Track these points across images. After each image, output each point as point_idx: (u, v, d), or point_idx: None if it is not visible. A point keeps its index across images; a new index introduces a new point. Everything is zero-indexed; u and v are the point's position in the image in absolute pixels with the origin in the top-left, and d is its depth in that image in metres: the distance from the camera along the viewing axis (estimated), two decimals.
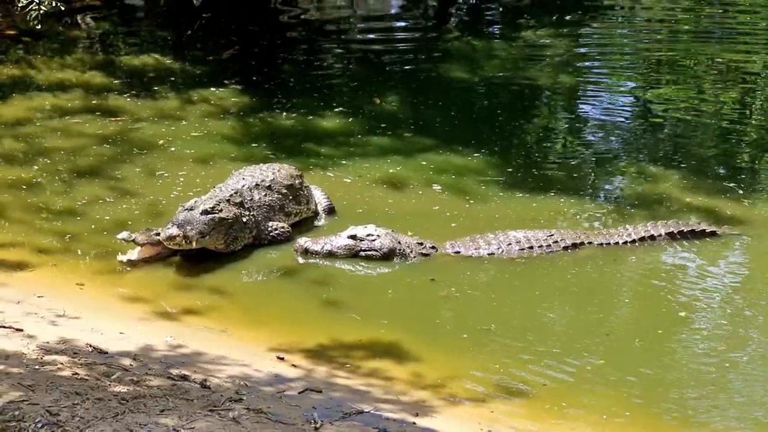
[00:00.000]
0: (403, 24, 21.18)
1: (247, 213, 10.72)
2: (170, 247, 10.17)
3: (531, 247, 10.52)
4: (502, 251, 10.48)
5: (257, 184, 11.06)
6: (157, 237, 10.16)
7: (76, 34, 18.82)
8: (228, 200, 10.63)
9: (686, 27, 21.17)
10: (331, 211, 11.58)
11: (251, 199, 10.87)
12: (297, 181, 11.35)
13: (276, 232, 10.84)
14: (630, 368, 8.56)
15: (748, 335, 9.18)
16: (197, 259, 10.32)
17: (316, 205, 11.55)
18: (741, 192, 12.27)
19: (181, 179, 12.20)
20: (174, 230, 10.10)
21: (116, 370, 7.36)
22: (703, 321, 9.40)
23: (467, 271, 10.24)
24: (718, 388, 8.32)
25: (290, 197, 11.21)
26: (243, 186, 10.97)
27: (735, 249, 10.85)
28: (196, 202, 10.53)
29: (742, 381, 8.43)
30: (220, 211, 10.41)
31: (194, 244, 10.18)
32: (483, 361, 8.60)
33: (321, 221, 11.49)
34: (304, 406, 7.22)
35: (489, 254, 10.45)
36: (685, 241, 10.84)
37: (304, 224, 11.34)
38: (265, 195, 11.01)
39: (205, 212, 10.32)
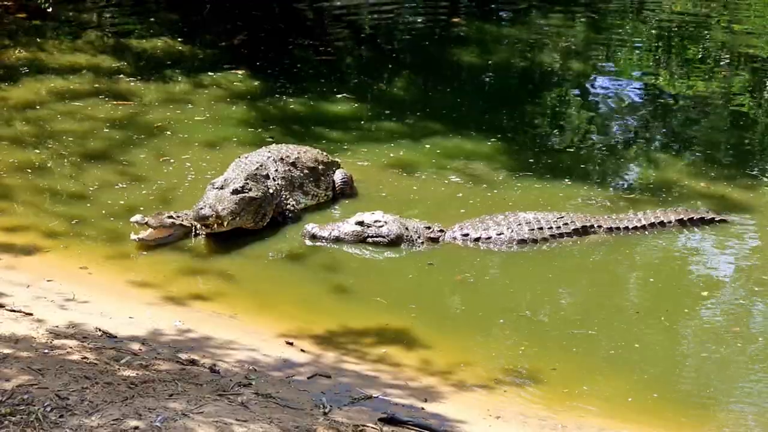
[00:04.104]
0: (412, 7, 21.09)
1: (273, 183, 10.83)
2: (203, 230, 10.22)
3: (541, 229, 10.47)
4: (512, 232, 10.43)
5: (282, 158, 11.23)
6: (170, 220, 10.20)
7: (85, 17, 18.79)
8: (255, 175, 10.72)
9: (696, 9, 21.07)
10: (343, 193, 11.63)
11: (276, 171, 11.03)
12: (321, 167, 11.49)
13: (289, 208, 10.87)
14: (659, 349, 8.55)
15: None
16: (220, 237, 10.30)
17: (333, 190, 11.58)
18: (751, 177, 12.22)
19: (189, 163, 12.18)
20: (207, 210, 10.11)
21: (125, 354, 7.36)
22: (726, 300, 9.37)
23: (477, 256, 10.21)
24: (748, 369, 8.29)
25: (311, 178, 11.33)
26: (268, 158, 11.13)
27: (746, 234, 10.81)
28: (225, 180, 10.56)
29: None
30: (250, 190, 10.48)
31: (226, 224, 10.24)
32: (495, 346, 8.59)
33: (334, 207, 11.49)
34: (313, 391, 7.22)
35: (498, 235, 10.41)
36: (696, 227, 10.82)
37: (315, 208, 11.33)
38: (289, 170, 11.16)
39: (235, 191, 10.37)
